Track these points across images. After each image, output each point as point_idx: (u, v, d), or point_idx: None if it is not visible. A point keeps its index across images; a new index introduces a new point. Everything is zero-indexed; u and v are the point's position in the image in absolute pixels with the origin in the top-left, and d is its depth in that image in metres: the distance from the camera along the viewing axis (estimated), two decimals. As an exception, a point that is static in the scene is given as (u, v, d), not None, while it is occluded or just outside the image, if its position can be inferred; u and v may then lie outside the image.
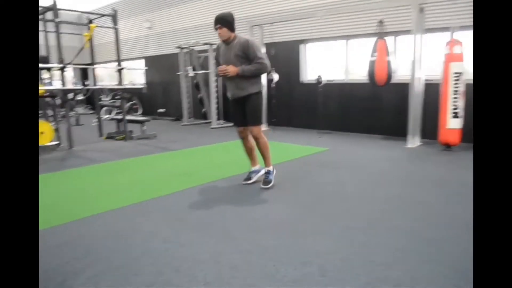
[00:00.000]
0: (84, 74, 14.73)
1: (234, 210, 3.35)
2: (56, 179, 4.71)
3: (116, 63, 7.87)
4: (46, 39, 7.31)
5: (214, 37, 9.61)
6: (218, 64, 4.00)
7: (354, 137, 7.37)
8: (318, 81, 7.86)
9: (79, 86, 12.46)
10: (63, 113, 7.07)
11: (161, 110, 12.22)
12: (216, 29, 3.76)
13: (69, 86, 9.98)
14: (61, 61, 6.67)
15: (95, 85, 9.17)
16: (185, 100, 10.50)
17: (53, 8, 6.61)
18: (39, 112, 9.47)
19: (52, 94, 6.94)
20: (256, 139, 3.98)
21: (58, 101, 7.14)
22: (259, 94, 3.95)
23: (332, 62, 8.34)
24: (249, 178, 4.18)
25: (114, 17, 7.64)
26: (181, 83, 10.43)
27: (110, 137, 7.94)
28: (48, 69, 7.04)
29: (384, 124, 7.31)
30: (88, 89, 9.48)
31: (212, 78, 9.33)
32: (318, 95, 8.00)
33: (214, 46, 9.30)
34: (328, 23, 7.86)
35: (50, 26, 7.11)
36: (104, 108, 10.89)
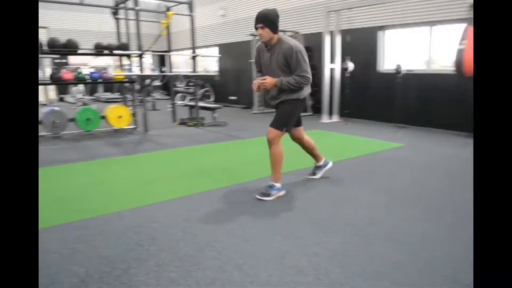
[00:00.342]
0: (161, 61, 15.35)
1: (301, 207, 3.19)
2: (129, 162, 4.90)
3: (191, 50, 8.01)
4: (127, 27, 7.63)
5: (287, 25, 9.41)
6: (258, 68, 3.55)
7: (434, 133, 6.80)
8: (397, 71, 7.35)
9: (157, 73, 13.02)
10: (140, 98, 7.37)
11: (232, 97, 12.34)
12: (256, 28, 3.26)
13: (147, 72, 10.39)
14: (139, 48, 6.92)
15: (171, 71, 9.46)
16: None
17: (133, -3, 6.87)
18: (120, 96, 9.97)
19: (131, 79, 7.25)
20: (269, 144, 3.42)
21: (136, 86, 7.46)
22: (298, 101, 3.45)
23: (413, 51, 7.73)
24: (313, 174, 4.01)
25: (190, 4, 7.76)
26: (253, 71, 10.39)
27: (182, 123, 8.15)
28: (128, 55, 7.35)
29: (471, 121, 6.63)
30: (164, 76, 9.83)
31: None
32: (396, 86, 7.49)
33: (288, 34, 9.14)
34: (410, 7, 7.26)
35: (131, 14, 7.41)
36: (179, 94, 11.25)
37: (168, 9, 8.00)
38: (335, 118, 8.49)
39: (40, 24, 10.02)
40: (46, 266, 2.20)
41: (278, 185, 3.44)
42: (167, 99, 13.16)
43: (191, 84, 9.06)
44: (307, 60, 3.30)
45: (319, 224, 2.81)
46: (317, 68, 9.06)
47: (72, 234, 2.66)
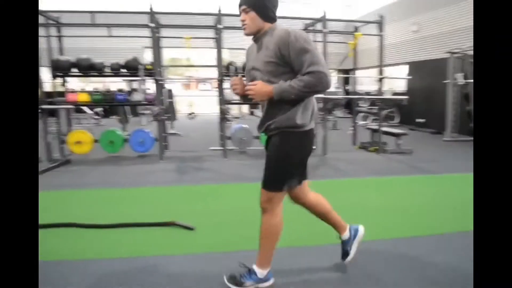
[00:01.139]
0: (345, 79, 15.22)
1: None
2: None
3: (377, 70, 7.59)
4: (314, 48, 7.72)
5: (462, 44, 7.98)
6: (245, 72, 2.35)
7: None
8: None
9: (340, 90, 12.94)
10: (322, 117, 7.31)
11: (420, 120, 11.24)
12: (240, 14, 2.14)
13: (331, 90, 10.35)
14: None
15: (354, 91, 9.18)
16: (450, 112, 9.24)
17: (322, 20, 6.88)
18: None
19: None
20: (262, 211, 2.23)
21: (320, 105, 7.45)
22: (299, 134, 2.13)
23: None
24: (345, 254, 2.61)
25: (380, 24, 7.36)
26: (448, 92, 9.23)
27: (362, 147, 7.76)
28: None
29: None
30: (347, 95, 9.63)
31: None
32: None
33: (457, 55, 7.75)
34: None
35: (319, 36, 7.46)
36: (361, 114, 10.87)
37: (356, 29, 7.77)
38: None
39: (237, 47, 11.00)
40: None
41: (261, 272, 2.27)
42: (348, 117, 12.93)
43: (375, 105, 8.62)
44: (315, 49, 2.03)
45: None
46: None
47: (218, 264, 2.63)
